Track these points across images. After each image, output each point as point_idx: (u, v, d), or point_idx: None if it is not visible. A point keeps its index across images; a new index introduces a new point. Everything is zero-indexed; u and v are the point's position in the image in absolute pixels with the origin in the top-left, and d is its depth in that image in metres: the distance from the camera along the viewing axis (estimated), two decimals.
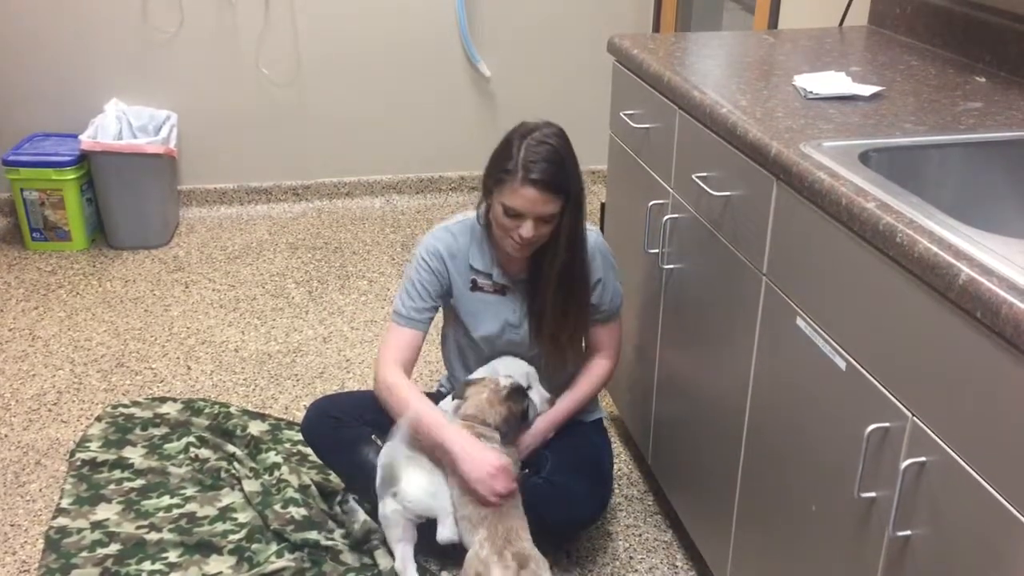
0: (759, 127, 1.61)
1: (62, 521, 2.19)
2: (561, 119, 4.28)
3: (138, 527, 2.17)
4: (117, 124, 3.59)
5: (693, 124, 1.85)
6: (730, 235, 1.72)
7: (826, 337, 1.40)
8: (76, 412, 2.62)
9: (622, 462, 2.46)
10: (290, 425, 2.53)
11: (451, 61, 3.94)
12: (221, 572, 2.05)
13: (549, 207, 1.91)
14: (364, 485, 2.07)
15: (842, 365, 1.36)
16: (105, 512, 2.22)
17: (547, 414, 2.12)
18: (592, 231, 2.07)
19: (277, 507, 2.18)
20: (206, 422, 2.53)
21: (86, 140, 3.43)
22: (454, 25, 3.87)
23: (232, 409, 2.58)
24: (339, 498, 2.24)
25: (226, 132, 3.86)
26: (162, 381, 2.76)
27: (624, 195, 2.34)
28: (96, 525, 2.17)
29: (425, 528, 2.04)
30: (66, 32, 3.59)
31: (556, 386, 2.16)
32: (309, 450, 2.26)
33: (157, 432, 2.50)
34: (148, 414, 2.57)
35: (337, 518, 2.18)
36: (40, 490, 2.32)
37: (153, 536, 2.14)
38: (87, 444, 2.44)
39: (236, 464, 2.36)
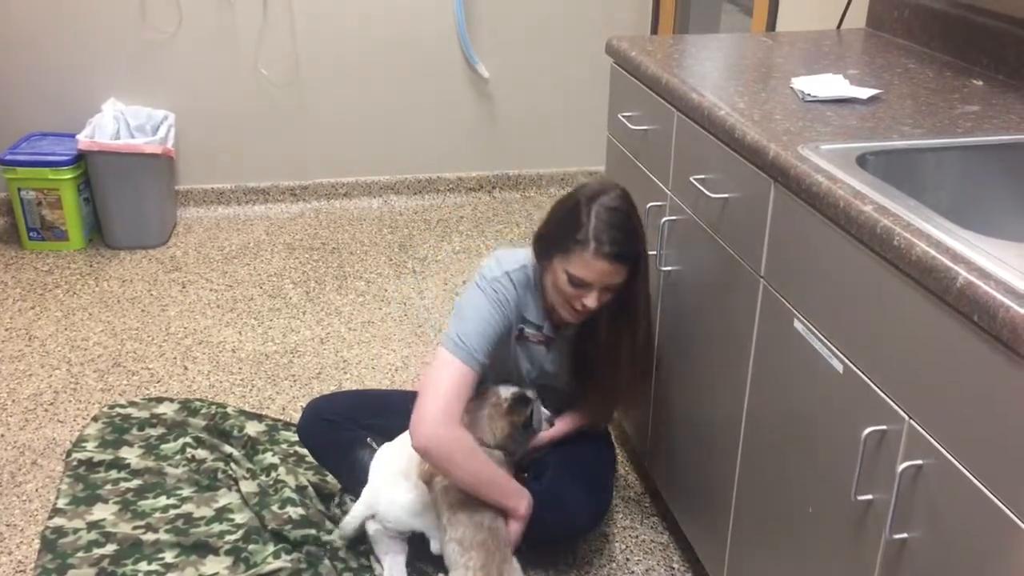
0: (757, 129, 1.61)
1: (58, 521, 2.18)
2: (559, 120, 4.33)
3: (134, 527, 2.17)
4: (115, 124, 3.59)
5: (691, 126, 1.85)
6: (728, 237, 1.73)
7: (823, 339, 1.40)
8: (73, 412, 2.61)
9: (619, 464, 2.46)
10: (287, 426, 2.53)
11: (449, 62, 3.94)
12: (218, 573, 2.04)
13: (618, 277, 1.84)
14: (360, 487, 2.07)
15: (839, 368, 1.36)
16: (101, 512, 2.22)
17: (545, 434, 2.08)
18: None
19: (274, 508, 2.18)
20: (203, 422, 2.53)
21: (83, 140, 3.42)
22: (452, 26, 3.87)
23: (229, 409, 2.58)
24: (336, 499, 2.24)
25: (224, 132, 3.85)
26: (159, 381, 2.76)
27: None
28: (92, 525, 2.17)
29: (420, 536, 2.04)
30: (64, 31, 3.59)
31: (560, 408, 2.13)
32: (306, 451, 2.26)
33: (154, 432, 2.50)
34: (145, 414, 2.57)
35: (334, 519, 2.18)
36: (36, 490, 2.32)
37: (149, 536, 2.14)
38: (83, 444, 2.44)
39: (233, 465, 2.36)
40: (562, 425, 2.08)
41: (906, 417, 1.21)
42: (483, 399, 1.97)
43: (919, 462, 1.19)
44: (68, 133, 3.62)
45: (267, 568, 2.04)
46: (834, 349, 1.38)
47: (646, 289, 1.94)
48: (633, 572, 2.12)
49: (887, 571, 1.28)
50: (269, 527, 2.14)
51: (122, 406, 2.61)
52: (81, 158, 3.49)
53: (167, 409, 2.59)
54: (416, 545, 2.06)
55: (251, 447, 2.42)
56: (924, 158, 1.56)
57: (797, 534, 1.54)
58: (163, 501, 2.26)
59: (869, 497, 1.30)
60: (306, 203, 4.01)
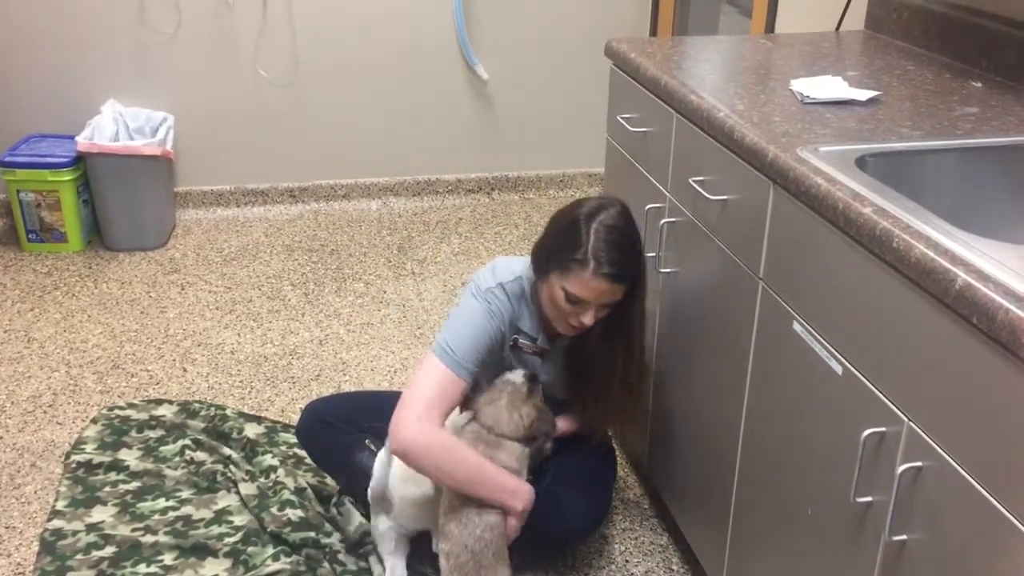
0: (756, 131, 1.61)
1: (57, 523, 2.18)
2: (558, 122, 4.33)
3: (133, 529, 2.17)
4: (114, 125, 3.59)
5: (690, 128, 1.85)
6: (727, 239, 1.73)
7: (823, 341, 1.40)
8: (71, 414, 2.61)
9: (618, 465, 2.45)
10: (286, 428, 2.52)
11: (448, 64, 3.94)
12: (217, 575, 2.04)
13: (616, 295, 1.83)
14: (359, 489, 2.07)
15: (838, 369, 1.36)
16: (100, 514, 2.21)
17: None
18: None
19: (273, 510, 2.18)
20: (202, 424, 2.53)
21: (82, 141, 3.42)
22: (452, 28, 3.87)
23: (228, 411, 2.58)
24: (334, 501, 2.23)
25: (223, 134, 3.85)
26: (158, 383, 2.76)
27: (621, 198, 2.33)
28: (91, 527, 2.17)
29: (420, 536, 2.04)
30: (63, 33, 3.59)
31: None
32: (305, 453, 2.26)
33: (153, 434, 2.50)
34: (144, 416, 2.57)
35: (333, 521, 2.18)
36: (35, 492, 2.32)
37: (148, 539, 2.14)
38: (82, 446, 2.44)
39: (232, 467, 2.36)
40: (564, 425, 2.07)
41: (905, 419, 1.21)
42: (496, 391, 1.90)
43: (918, 464, 1.19)
44: (67, 135, 3.62)
45: (266, 570, 2.04)
46: (833, 351, 1.38)
47: (643, 306, 1.93)
48: (632, 574, 2.12)
49: (886, 573, 1.28)
50: (268, 529, 2.14)
51: (121, 408, 2.61)
52: (80, 160, 3.49)
53: (166, 411, 2.59)
54: (415, 546, 2.06)
55: (250, 449, 2.42)
56: (923, 160, 1.56)
57: (796, 536, 1.54)
58: (162, 503, 2.25)
59: (868, 499, 1.30)
60: (305, 205, 4.01)
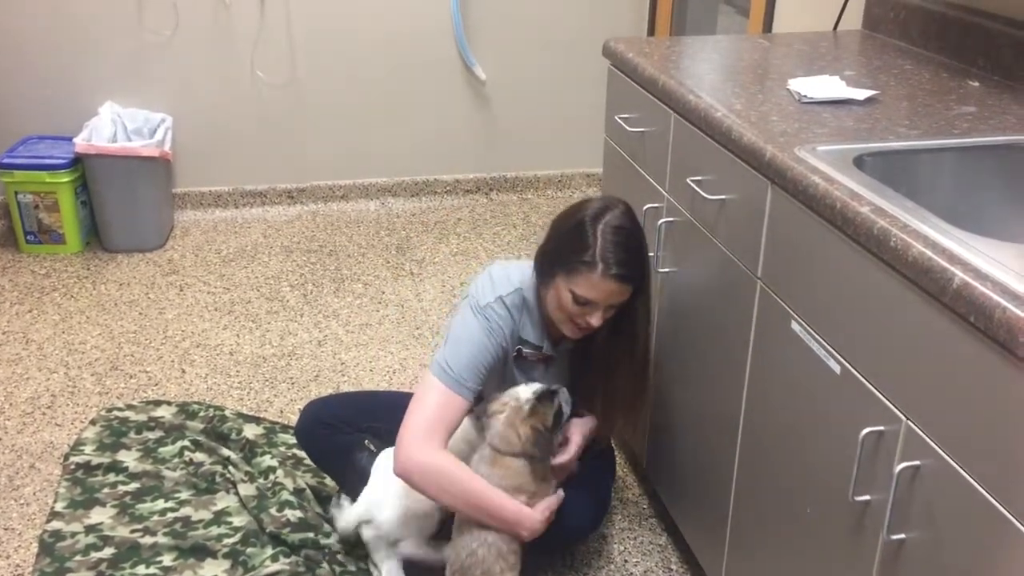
0: (754, 131, 1.61)
1: (56, 525, 2.18)
2: (556, 122, 4.32)
3: (132, 531, 2.17)
4: (112, 127, 3.59)
5: (688, 128, 1.86)
6: (725, 239, 1.73)
7: (821, 341, 1.40)
8: (70, 415, 2.61)
9: (617, 465, 2.46)
10: (285, 428, 2.52)
11: (446, 64, 3.94)
12: None
13: (624, 296, 1.83)
14: (358, 489, 2.06)
15: (837, 369, 1.36)
16: (99, 516, 2.21)
17: (565, 457, 1.96)
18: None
19: (272, 510, 2.18)
20: (201, 425, 2.53)
21: (80, 143, 3.42)
22: (449, 28, 3.88)
23: (227, 412, 2.58)
24: (334, 501, 2.23)
25: (221, 135, 3.85)
26: (156, 384, 2.76)
27: (623, 199, 2.33)
28: (90, 529, 2.17)
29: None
30: (61, 34, 3.59)
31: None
32: (304, 454, 2.26)
33: (152, 435, 2.50)
34: (142, 417, 2.57)
35: (332, 521, 2.18)
36: (34, 493, 2.32)
37: (147, 540, 2.13)
38: (81, 447, 2.44)
39: (231, 468, 2.36)
40: (576, 437, 1.99)
41: (903, 418, 1.22)
42: (499, 403, 1.89)
43: (916, 463, 1.19)
44: (65, 136, 3.62)
45: (265, 571, 2.04)
46: (831, 350, 1.38)
47: (647, 304, 1.93)
48: (631, 574, 2.12)
49: (885, 571, 1.28)
50: (267, 530, 2.14)
51: (120, 409, 2.61)
52: (78, 161, 3.49)
53: (165, 412, 2.59)
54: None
55: (249, 450, 2.42)
56: (921, 159, 1.56)
57: (795, 535, 1.54)
58: (161, 504, 2.25)
59: (867, 498, 1.30)
60: (303, 206, 4.01)
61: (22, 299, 3.22)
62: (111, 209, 3.53)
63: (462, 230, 3.82)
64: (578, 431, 1.98)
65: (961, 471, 1.11)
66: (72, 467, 2.37)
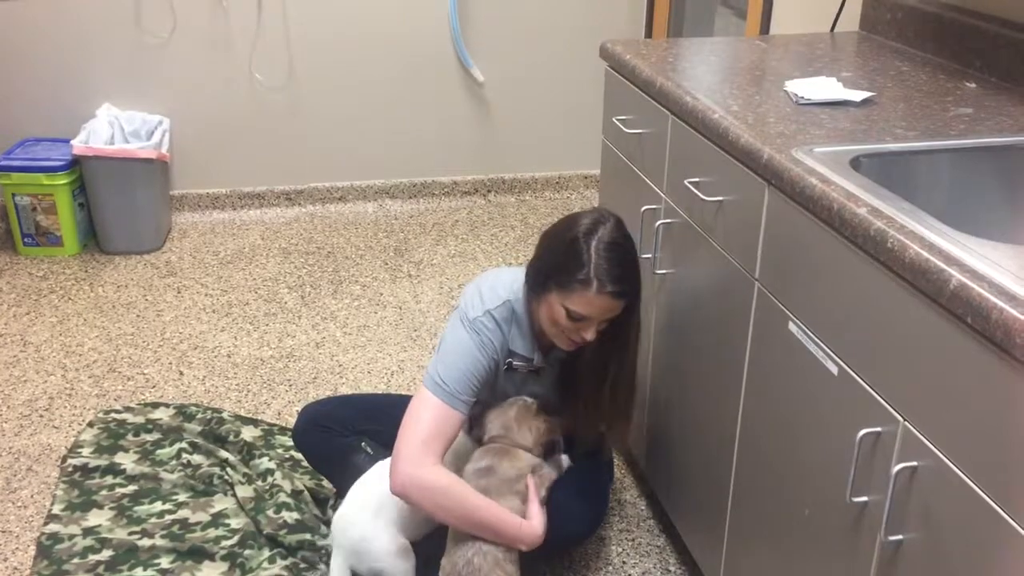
0: (751, 132, 1.61)
1: (54, 527, 2.18)
2: (554, 123, 4.32)
3: (130, 533, 2.16)
4: (109, 129, 3.59)
5: (685, 129, 1.86)
6: (722, 240, 1.73)
7: (818, 342, 1.41)
8: (68, 418, 2.61)
9: (615, 467, 2.46)
10: (283, 431, 2.52)
11: (444, 66, 3.94)
12: None
13: (618, 310, 1.83)
14: None
15: (834, 370, 1.36)
16: (97, 518, 2.21)
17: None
18: None
19: (270, 512, 2.17)
20: (199, 428, 2.53)
21: (78, 145, 3.42)
22: (447, 30, 3.88)
23: (225, 415, 2.58)
24: (331, 503, 2.23)
25: (219, 137, 3.85)
26: (154, 386, 2.76)
27: (617, 200, 2.34)
28: (88, 531, 2.17)
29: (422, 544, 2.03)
30: (58, 37, 3.59)
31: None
32: (302, 456, 2.26)
33: (149, 438, 2.50)
34: (140, 420, 2.56)
35: (330, 523, 2.18)
36: (32, 496, 2.31)
37: (145, 542, 2.13)
38: (79, 450, 2.44)
39: (229, 470, 2.35)
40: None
41: (901, 419, 1.22)
42: (505, 406, 1.92)
43: (914, 464, 1.19)
44: (63, 138, 3.61)
45: (263, 573, 2.03)
46: (829, 351, 1.38)
47: (639, 316, 1.92)
48: (629, 575, 2.12)
49: (882, 572, 1.28)
50: (265, 532, 2.14)
51: (117, 411, 2.61)
52: (76, 163, 3.49)
53: (163, 414, 2.59)
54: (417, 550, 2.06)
55: (247, 452, 2.42)
56: (917, 160, 1.57)
57: (793, 536, 1.54)
58: (159, 506, 2.25)
59: (864, 499, 1.30)
60: (301, 207, 4.01)
61: (19, 301, 3.21)
62: (109, 211, 3.53)
63: (460, 232, 3.82)
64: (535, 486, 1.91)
65: (958, 472, 1.11)
66: (70, 469, 2.37)
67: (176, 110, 3.75)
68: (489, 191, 4.16)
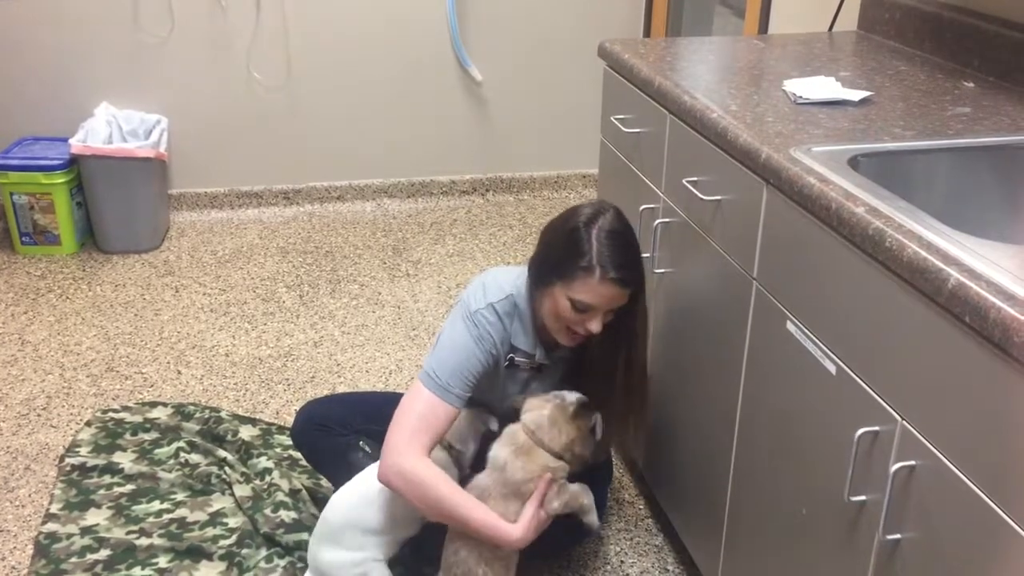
0: (749, 132, 1.61)
1: (52, 526, 2.18)
2: (552, 123, 4.32)
3: (128, 532, 2.16)
4: (107, 128, 3.58)
5: (683, 129, 1.86)
6: (721, 239, 1.73)
7: (816, 341, 1.41)
8: (66, 417, 2.61)
9: (614, 467, 2.46)
10: (281, 430, 2.52)
11: (442, 65, 3.94)
12: None
13: (623, 300, 1.81)
14: None
15: (832, 369, 1.37)
16: (95, 517, 2.21)
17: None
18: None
19: (267, 511, 2.17)
20: (197, 427, 2.52)
21: (76, 144, 3.42)
22: (445, 29, 3.88)
23: (223, 414, 2.58)
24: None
25: (217, 136, 3.85)
26: (152, 386, 2.76)
27: (615, 200, 2.32)
28: (86, 530, 2.17)
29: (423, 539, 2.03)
30: (56, 36, 3.58)
31: None
32: (300, 455, 2.25)
33: (147, 437, 2.50)
34: (138, 419, 2.56)
35: None
36: (29, 495, 2.31)
37: (143, 541, 2.13)
38: (77, 449, 2.43)
39: (227, 469, 2.35)
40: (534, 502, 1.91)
41: (899, 418, 1.22)
42: (542, 399, 1.85)
43: (912, 463, 1.19)
44: (60, 137, 3.61)
45: (260, 573, 2.03)
46: (827, 350, 1.38)
47: (644, 307, 1.91)
48: (628, 574, 2.12)
49: (880, 572, 1.29)
50: (262, 531, 2.14)
51: (115, 411, 2.61)
52: (74, 162, 3.48)
53: (160, 414, 2.59)
54: (415, 549, 2.06)
55: (245, 451, 2.42)
56: (915, 160, 1.57)
57: (791, 535, 1.54)
58: (157, 506, 2.25)
59: (862, 498, 1.30)
60: (299, 207, 4.00)
61: (17, 300, 3.21)
62: (107, 210, 3.53)
63: (458, 231, 3.82)
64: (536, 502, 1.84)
65: (956, 471, 1.11)
66: (68, 469, 2.37)
67: (174, 109, 3.75)
68: (487, 190, 4.16)
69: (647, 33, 3.95)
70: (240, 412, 2.62)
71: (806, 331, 1.43)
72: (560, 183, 4.19)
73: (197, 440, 2.47)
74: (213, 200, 3.93)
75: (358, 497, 1.92)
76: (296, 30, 3.76)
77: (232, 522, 2.20)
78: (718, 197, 1.72)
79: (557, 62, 4.00)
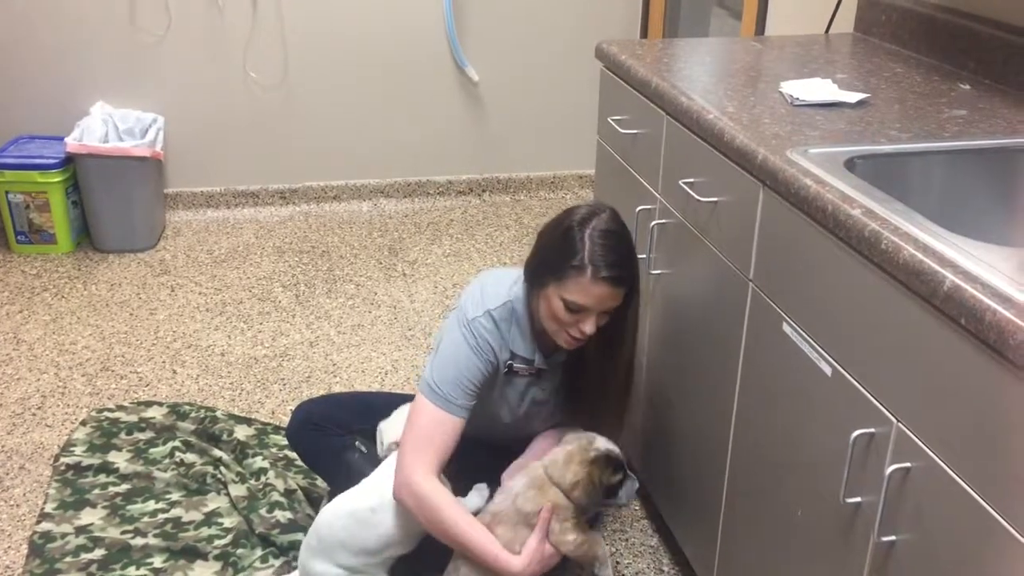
0: (746, 133, 1.61)
1: (46, 526, 2.17)
2: (549, 124, 4.33)
3: (123, 532, 2.16)
4: (103, 127, 3.58)
5: (680, 130, 1.86)
6: (717, 241, 1.73)
7: (812, 343, 1.41)
8: (61, 416, 2.60)
9: None
10: (276, 430, 2.52)
11: (439, 65, 3.94)
12: None
13: (616, 300, 1.79)
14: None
15: (828, 371, 1.37)
16: (90, 517, 2.21)
17: None
18: None
19: (262, 511, 2.17)
20: (192, 426, 2.52)
21: (72, 143, 3.41)
22: (442, 29, 3.87)
23: (218, 413, 2.58)
24: (324, 503, 2.23)
25: (213, 135, 3.85)
26: (147, 385, 2.75)
27: (612, 200, 2.32)
28: (80, 530, 2.16)
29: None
30: (53, 34, 3.58)
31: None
32: (295, 455, 2.25)
33: (142, 436, 2.49)
34: (133, 418, 2.56)
35: None
36: (24, 495, 2.31)
37: (138, 541, 2.13)
38: (72, 448, 2.43)
39: (222, 469, 2.35)
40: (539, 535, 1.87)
41: (894, 420, 1.22)
42: (575, 436, 1.84)
43: (907, 465, 1.19)
44: (56, 136, 3.61)
45: (255, 573, 2.03)
46: (823, 352, 1.38)
47: (637, 311, 1.90)
48: (623, 575, 2.12)
49: (875, 573, 1.29)
50: (257, 531, 2.14)
51: (110, 410, 2.60)
52: (69, 161, 3.48)
53: (156, 413, 2.59)
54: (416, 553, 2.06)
55: (240, 451, 2.42)
56: (912, 162, 1.57)
57: (786, 536, 1.54)
58: (152, 505, 2.25)
59: (857, 500, 1.31)
60: (295, 206, 4.00)
61: (12, 299, 3.20)
62: (102, 209, 3.52)
63: (455, 231, 3.82)
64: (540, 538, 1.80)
65: (951, 473, 1.12)
66: (62, 468, 2.36)
67: (170, 108, 3.75)
68: (484, 191, 4.16)
69: (644, 34, 3.95)
70: (235, 412, 2.62)
71: (802, 333, 1.43)
72: (557, 184, 4.19)
73: (192, 440, 2.46)
74: (209, 199, 3.93)
75: (351, 518, 1.88)
76: (292, 29, 3.76)
77: (227, 522, 2.19)
78: (714, 199, 1.72)
79: (554, 63, 4.00)
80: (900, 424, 1.21)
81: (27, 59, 3.60)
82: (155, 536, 2.15)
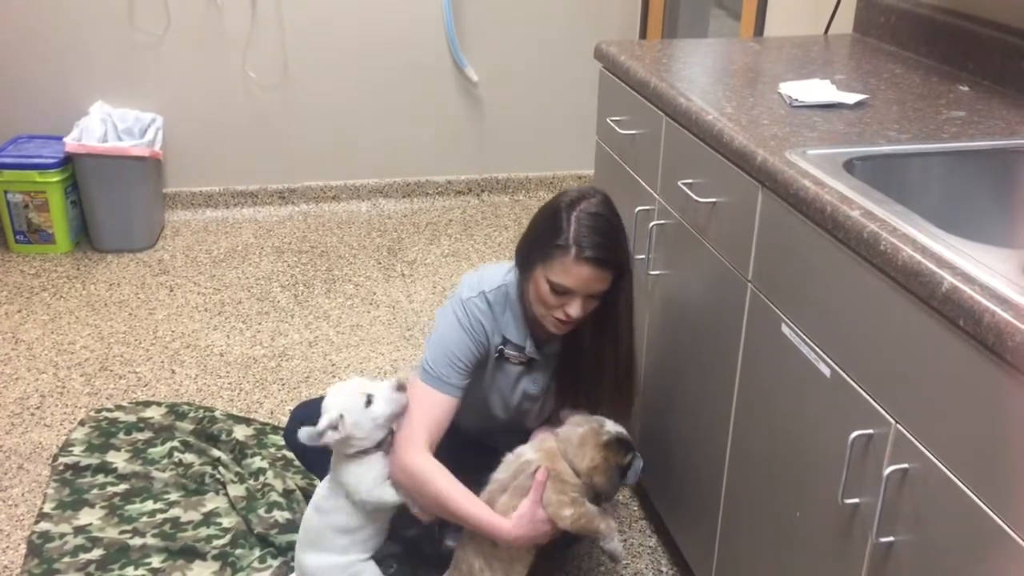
0: (744, 134, 1.61)
1: (45, 526, 2.17)
2: (548, 124, 4.33)
3: (121, 532, 2.16)
4: (102, 126, 3.58)
5: (679, 131, 1.86)
6: (716, 241, 1.73)
7: (811, 344, 1.41)
8: (59, 416, 2.60)
9: None
10: (275, 430, 2.52)
11: (438, 65, 3.94)
12: None
13: (602, 284, 1.79)
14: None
15: (826, 372, 1.37)
16: (88, 517, 2.21)
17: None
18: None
19: (261, 512, 2.17)
20: (190, 426, 2.52)
21: (71, 142, 3.41)
22: (441, 29, 3.87)
23: (217, 413, 2.57)
24: None
25: (212, 135, 3.84)
26: (146, 385, 2.75)
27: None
28: (79, 530, 2.16)
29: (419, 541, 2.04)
30: (51, 34, 3.58)
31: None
32: (294, 455, 2.25)
33: (141, 436, 2.49)
34: (132, 418, 2.56)
35: None
36: (22, 495, 2.31)
37: (136, 541, 2.13)
38: (70, 448, 2.43)
39: (221, 469, 2.35)
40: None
41: (893, 421, 1.22)
42: (584, 419, 1.85)
43: (905, 466, 1.20)
44: (55, 136, 3.60)
45: (254, 573, 2.03)
46: (822, 353, 1.38)
47: (630, 297, 1.90)
48: (622, 575, 2.12)
49: (873, 574, 1.29)
50: (256, 531, 2.13)
51: (109, 410, 2.60)
52: (68, 161, 3.47)
53: (154, 413, 2.58)
54: (415, 553, 2.06)
55: (239, 451, 2.42)
56: (910, 163, 1.57)
57: (784, 537, 1.54)
58: (150, 505, 2.25)
59: (856, 501, 1.31)
60: (294, 206, 4.00)
61: (11, 299, 3.20)
62: (101, 209, 3.52)
63: (453, 231, 3.82)
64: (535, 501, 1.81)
65: (950, 474, 1.12)
66: (61, 468, 2.36)
67: (169, 108, 3.75)
68: (483, 191, 4.16)
69: (643, 35, 3.95)
70: (234, 412, 2.62)
71: (801, 334, 1.44)
72: (555, 184, 4.19)
73: (191, 440, 2.46)
74: (208, 199, 3.93)
75: (313, 508, 1.94)
76: (292, 29, 3.76)
77: (226, 522, 2.19)
78: (713, 199, 1.72)
79: (553, 63, 4.00)
80: (898, 425, 1.21)
81: (26, 59, 3.60)
82: (153, 536, 2.15)
